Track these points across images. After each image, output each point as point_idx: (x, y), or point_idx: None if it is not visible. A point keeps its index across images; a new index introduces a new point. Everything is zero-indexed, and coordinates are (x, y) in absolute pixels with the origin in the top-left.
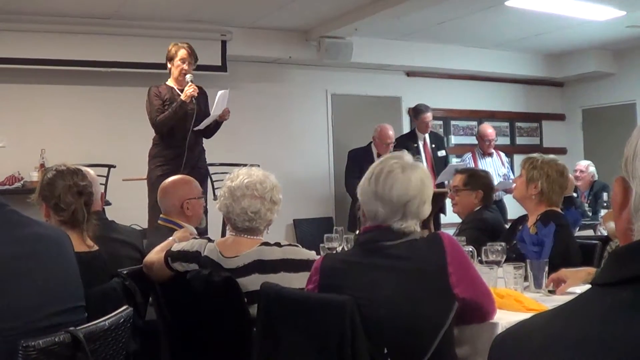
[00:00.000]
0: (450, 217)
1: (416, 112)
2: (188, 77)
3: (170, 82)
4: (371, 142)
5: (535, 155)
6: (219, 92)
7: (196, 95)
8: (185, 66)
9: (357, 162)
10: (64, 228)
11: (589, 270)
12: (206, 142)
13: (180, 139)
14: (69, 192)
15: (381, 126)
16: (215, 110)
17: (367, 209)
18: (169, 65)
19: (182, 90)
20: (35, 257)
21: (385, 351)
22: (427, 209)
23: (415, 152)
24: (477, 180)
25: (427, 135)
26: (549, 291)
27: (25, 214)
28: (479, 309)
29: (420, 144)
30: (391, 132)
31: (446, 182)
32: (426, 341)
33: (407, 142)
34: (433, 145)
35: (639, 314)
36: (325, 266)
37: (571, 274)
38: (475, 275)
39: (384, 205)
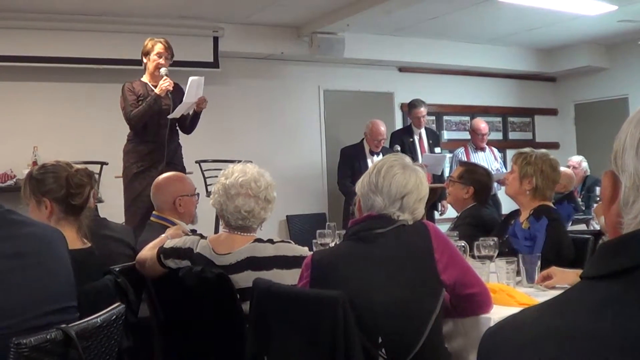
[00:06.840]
0: (446, 213)
1: (410, 107)
2: (163, 70)
3: (145, 78)
4: (363, 139)
5: (527, 150)
6: (191, 78)
7: (171, 89)
8: (161, 60)
9: (349, 160)
10: (64, 222)
11: (578, 272)
12: (198, 139)
13: (154, 134)
14: (77, 174)
15: (373, 122)
16: (187, 97)
17: (364, 201)
18: (144, 60)
19: (156, 86)
20: (29, 256)
21: (380, 340)
22: (421, 208)
23: (411, 147)
24: (472, 176)
25: (423, 131)
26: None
27: (19, 212)
28: (471, 298)
29: (416, 138)
30: (383, 129)
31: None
32: (418, 327)
33: (402, 136)
34: (430, 142)
35: (628, 307)
36: (315, 261)
37: (560, 272)
38: (462, 261)
39: (382, 197)
